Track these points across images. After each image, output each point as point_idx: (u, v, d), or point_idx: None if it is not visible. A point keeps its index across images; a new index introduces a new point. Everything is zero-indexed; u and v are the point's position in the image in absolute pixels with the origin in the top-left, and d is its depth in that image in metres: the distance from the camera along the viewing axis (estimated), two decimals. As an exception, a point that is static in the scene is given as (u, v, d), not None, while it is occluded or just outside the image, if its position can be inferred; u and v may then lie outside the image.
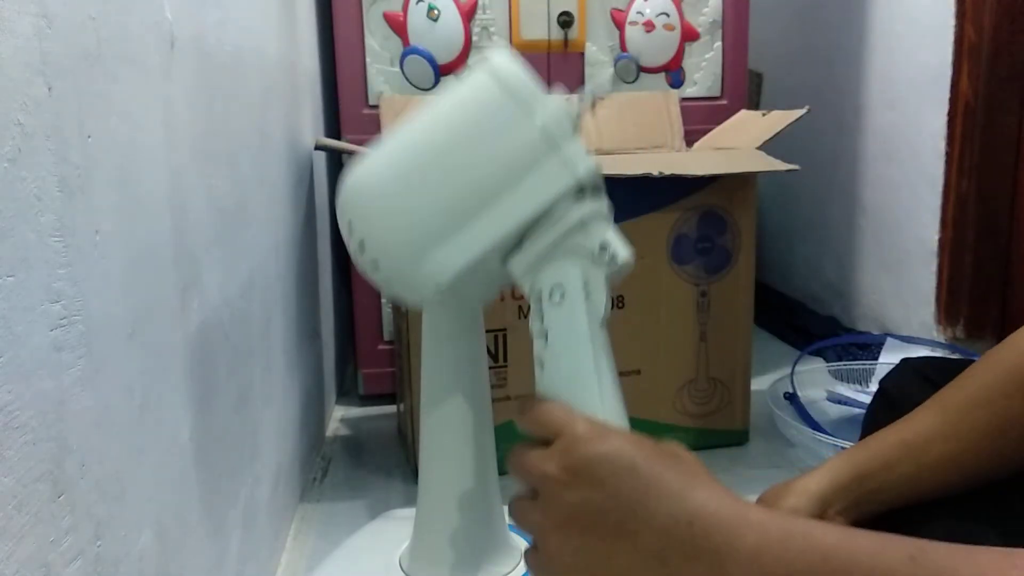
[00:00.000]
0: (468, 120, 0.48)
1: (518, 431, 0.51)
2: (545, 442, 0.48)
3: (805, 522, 0.41)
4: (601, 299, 0.51)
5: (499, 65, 0.47)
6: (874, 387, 1.18)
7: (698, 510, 0.40)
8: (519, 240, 0.49)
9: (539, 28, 1.60)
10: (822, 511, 0.63)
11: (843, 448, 1.31)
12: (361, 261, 0.51)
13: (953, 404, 0.64)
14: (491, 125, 0.48)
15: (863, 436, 0.82)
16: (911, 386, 0.76)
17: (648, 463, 0.42)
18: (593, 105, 0.50)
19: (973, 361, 0.73)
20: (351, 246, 0.51)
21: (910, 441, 0.64)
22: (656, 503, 0.40)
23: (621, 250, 0.50)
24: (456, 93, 0.49)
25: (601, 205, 0.50)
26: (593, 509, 0.42)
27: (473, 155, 0.49)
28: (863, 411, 0.86)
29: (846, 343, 1.72)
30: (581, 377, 0.51)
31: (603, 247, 0.50)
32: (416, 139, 0.50)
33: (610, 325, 1.43)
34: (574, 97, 0.51)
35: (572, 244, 0.50)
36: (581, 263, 0.50)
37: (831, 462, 0.66)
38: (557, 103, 0.48)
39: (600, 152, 1.48)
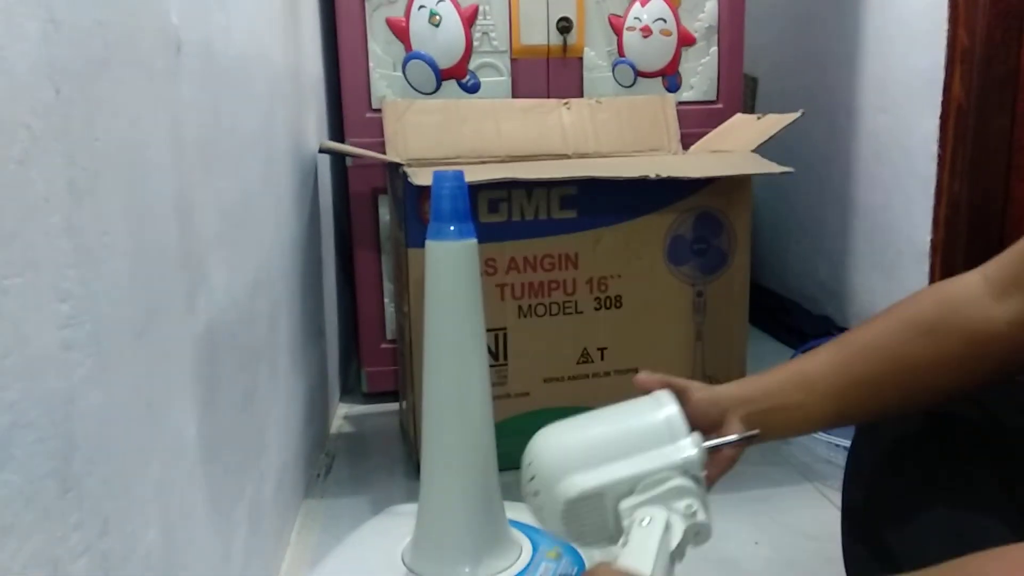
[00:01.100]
0: (634, 431, 0.70)
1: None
2: None
3: None
4: (676, 538, 0.63)
5: (670, 415, 0.69)
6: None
7: None
8: (630, 490, 0.67)
9: (538, 34, 1.61)
10: (723, 414, 0.73)
11: (837, 446, 1.32)
12: (526, 488, 0.71)
13: (853, 342, 0.73)
14: (646, 434, 0.69)
15: (855, 432, 0.83)
16: None
17: None
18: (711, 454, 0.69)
19: None
20: (524, 476, 0.72)
21: (808, 371, 0.73)
22: None
23: (701, 517, 0.65)
24: (634, 416, 0.71)
25: (696, 483, 0.66)
26: None
27: (625, 440, 0.69)
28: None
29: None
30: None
31: (688, 507, 0.65)
32: (596, 430, 0.73)
33: (606, 324, 1.43)
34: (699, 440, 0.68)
35: (667, 499, 0.65)
36: (670, 511, 0.65)
37: (752, 377, 0.77)
38: (689, 443, 0.68)
39: (598, 155, 1.49)
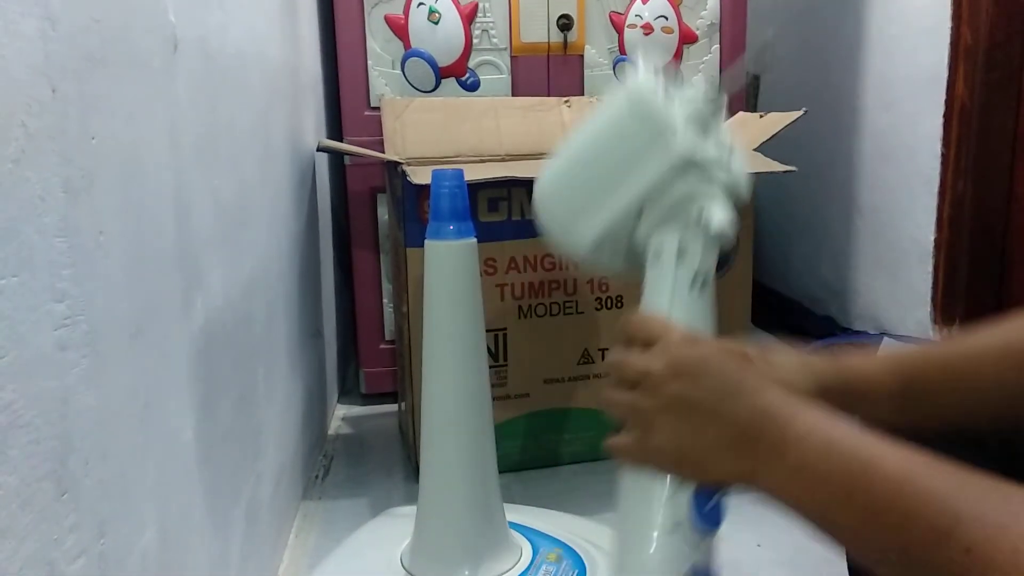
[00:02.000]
0: (615, 148, 0.62)
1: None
2: (640, 346, 0.57)
3: (847, 426, 0.50)
4: (695, 263, 0.58)
5: (639, 112, 0.60)
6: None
7: (767, 407, 0.51)
8: (639, 215, 0.60)
9: (539, 31, 1.61)
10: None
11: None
12: (541, 224, 0.65)
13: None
14: (627, 145, 0.61)
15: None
16: None
17: (732, 367, 0.54)
18: (728, 96, 0.60)
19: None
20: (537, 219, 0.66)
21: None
22: (736, 399, 0.52)
23: (715, 219, 0.57)
24: (610, 128, 0.63)
25: (700, 174, 0.58)
26: (690, 399, 0.53)
27: (606, 153, 0.62)
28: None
29: (843, 342, 1.73)
30: None
31: (699, 217, 0.58)
32: (583, 165, 0.65)
33: (607, 324, 1.42)
34: (701, 84, 0.62)
35: (677, 214, 0.59)
36: (681, 231, 0.59)
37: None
38: (675, 135, 0.58)
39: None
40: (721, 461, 0.53)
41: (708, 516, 0.57)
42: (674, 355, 0.55)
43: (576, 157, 0.65)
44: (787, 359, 0.64)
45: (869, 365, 0.65)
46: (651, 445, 0.56)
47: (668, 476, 0.58)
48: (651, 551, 0.59)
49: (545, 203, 0.65)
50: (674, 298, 0.59)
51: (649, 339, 0.57)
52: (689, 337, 0.57)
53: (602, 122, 0.63)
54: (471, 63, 1.60)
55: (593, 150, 0.64)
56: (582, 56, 1.64)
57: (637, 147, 0.59)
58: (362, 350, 1.68)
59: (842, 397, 0.62)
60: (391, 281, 1.62)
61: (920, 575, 0.44)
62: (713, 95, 0.61)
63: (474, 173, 1.18)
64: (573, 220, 0.63)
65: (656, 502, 0.59)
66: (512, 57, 1.62)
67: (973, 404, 0.65)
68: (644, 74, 0.61)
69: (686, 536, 0.57)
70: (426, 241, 0.91)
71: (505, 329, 1.33)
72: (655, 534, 0.59)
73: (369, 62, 1.57)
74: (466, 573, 0.91)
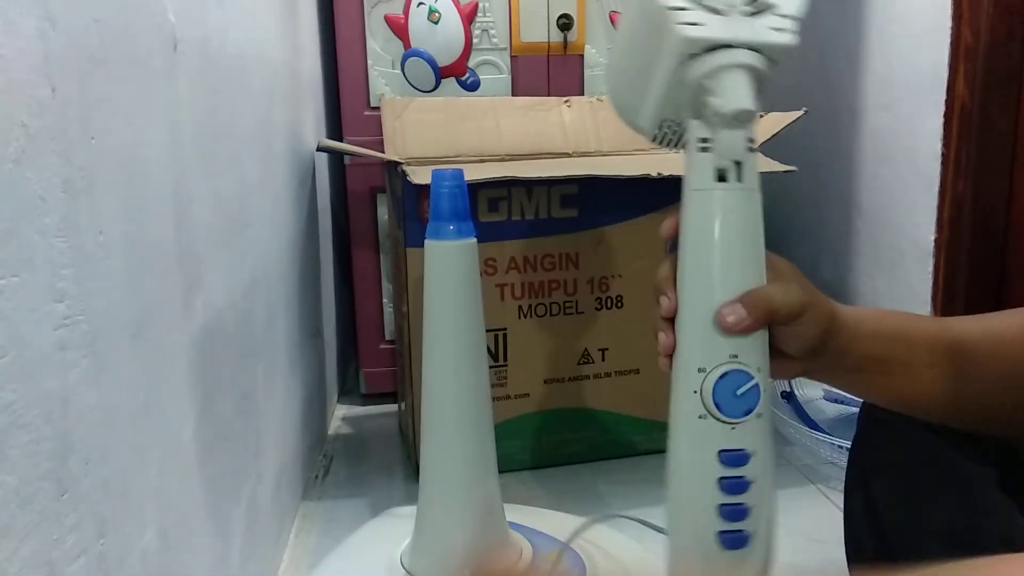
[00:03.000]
0: (629, 24, 0.59)
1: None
2: None
3: None
4: (718, 149, 0.55)
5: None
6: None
7: None
8: (677, 101, 0.57)
9: (539, 31, 1.61)
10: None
11: (839, 447, 1.32)
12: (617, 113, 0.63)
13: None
14: (636, 24, 0.59)
15: (857, 434, 0.83)
16: None
17: None
18: None
19: None
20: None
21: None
22: None
23: (727, 101, 0.53)
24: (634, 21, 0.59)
25: (709, 63, 0.54)
26: None
27: (633, 48, 0.59)
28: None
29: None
30: (683, 225, 0.58)
31: (706, 104, 0.54)
32: (616, 37, 0.65)
33: (607, 324, 1.42)
34: None
35: (697, 103, 0.55)
36: (702, 120, 0.55)
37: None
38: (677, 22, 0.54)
39: (599, 153, 1.48)
40: None
41: (736, 403, 0.55)
42: None
43: (615, 54, 0.64)
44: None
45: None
46: None
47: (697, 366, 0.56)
48: (678, 439, 0.58)
49: (611, 98, 0.63)
50: (700, 193, 0.56)
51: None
52: None
53: (627, 11, 0.62)
54: (471, 63, 1.60)
55: (623, 45, 0.62)
56: (582, 56, 1.64)
57: (648, 39, 0.56)
58: (362, 350, 1.68)
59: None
60: (391, 281, 1.62)
61: None
62: None
63: (474, 173, 1.18)
64: (632, 116, 0.61)
65: (685, 392, 0.56)
66: (512, 57, 1.62)
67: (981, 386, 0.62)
68: None
69: (713, 423, 0.55)
70: (426, 241, 0.91)
71: (505, 329, 1.33)
72: (683, 422, 0.57)
73: (369, 62, 1.57)
74: (466, 573, 0.91)
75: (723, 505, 0.56)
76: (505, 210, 1.30)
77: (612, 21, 1.65)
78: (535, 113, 1.47)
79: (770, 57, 0.55)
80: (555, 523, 1.05)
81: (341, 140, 1.57)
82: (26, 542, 0.43)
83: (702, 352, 0.56)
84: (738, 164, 0.55)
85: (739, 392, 0.55)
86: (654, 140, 0.61)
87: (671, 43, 0.53)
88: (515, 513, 1.04)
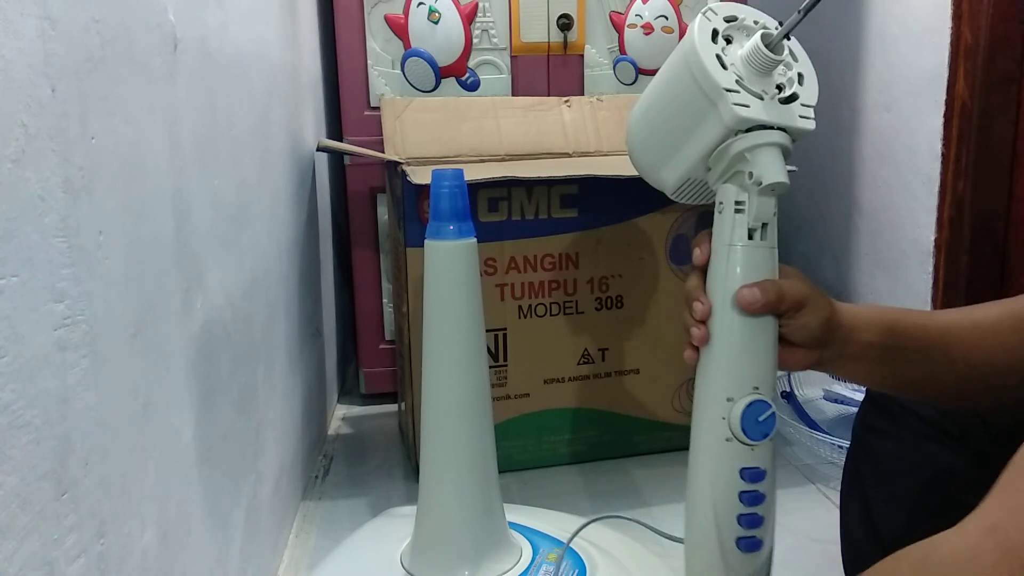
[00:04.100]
0: (682, 109, 0.66)
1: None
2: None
3: None
4: (752, 213, 0.63)
5: (698, 72, 0.62)
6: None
7: None
8: (707, 168, 0.65)
9: (539, 31, 1.61)
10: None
11: (840, 447, 1.32)
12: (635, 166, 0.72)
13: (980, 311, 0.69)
14: (678, 91, 0.66)
15: (855, 433, 0.84)
16: None
17: None
18: (786, 36, 0.63)
19: None
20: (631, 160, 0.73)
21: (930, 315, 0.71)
22: None
23: (767, 175, 0.62)
24: (678, 87, 0.66)
25: (754, 140, 0.62)
26: None
27: (671, 112, 0.67)
28: (859, 410, 0.87)
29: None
30: (715, 270, 0.65)
31: (750, 173, 0.62)
32: (648, 97, 0.70)
33: (607, 324, 1.42)
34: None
35: (732, 170, 0.64)
36: (737, 185, 0.64)
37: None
38: (727, 98, 0.62)
39: (599, 153, 1.48)
40: None
41: (758, 428, 0.63)
42: None
43: (649, 111, 0.70)
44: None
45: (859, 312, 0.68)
46: None
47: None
48: (704, 457, 0.65)
49: (632, 151, 0.72)
50: (732, 248, 0.64)
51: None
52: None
53: (667, 78, 0.67)
54: (471, 63, 1.60)
55: (661, 106, 0.68)
56: (582, 56, 1.64)
57: (695, 110, 0.63)
58: (362, 350, 1.68)
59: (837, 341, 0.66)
60: (391, 281, 1.62)
61: None
62: (774, 26, 0.64)
63: (474, 173, 1.18)
64: (655, 169, 0.69)
65: (710, 421, 0.64)
66: (512, 57, 1.62)
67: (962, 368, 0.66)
68: (700, 31, 0.63)
69: (737, 445, 0.63)
70: (426, 241, 0.91)
71: (505, 329, 1.33)
72: (710, 443, 0.64)
73: (369, 62, 1.57)
74: (466, 573, 0.91)
75: (742, 515, 0.64)
76: (505, 210, 1.30)
77: (612, 21, 1.65)
78: (535, 113, 1.47)
79: (794, 138, 0.64)
80: (555, 523, 1.05)
81: (341, 140, 1.57)
82: (26, 542, 0.43)
83: (730, 384, 0.64)
84: (764, 226, 0.64)
85: (760, 419, 0.63)
86: (673, 195, 0.70)
87: (725, 119, 0.61)
88: (515, 513, 1.04)
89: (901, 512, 0.77)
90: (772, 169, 0.62)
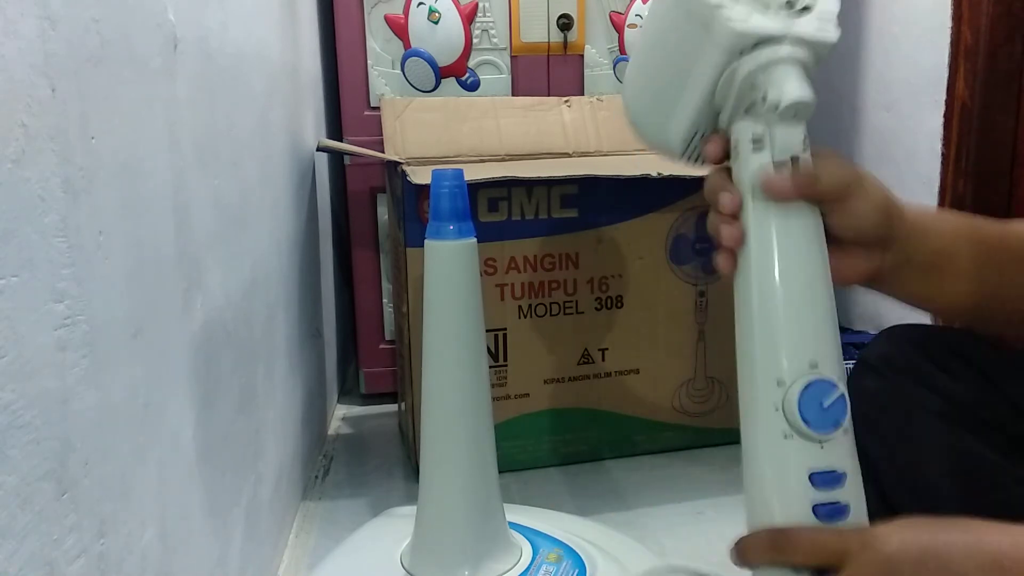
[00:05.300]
0: (672, 43, 0.57)
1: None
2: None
3: None
4: (776, 146, 0.52)
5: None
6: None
7: (996, 551, 0.43)
8: (716, 108, 0.55)
9: (539, 31, 1.61)
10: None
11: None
12: (635, 135, 0.62)
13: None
14: (669, 25, 0.57)
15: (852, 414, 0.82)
16: (894, 351, 0.75)
17: (933, 536, 0.45)
18: None
19: (954, 330, 0.72)
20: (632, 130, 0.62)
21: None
22: (961, 564, 0.43)
23: (785, 93, 0.51)
24: (665, 24, 0.57)
25: (762, 58, 0.52)
26: None
27: (665, 53, 0.57)
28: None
29: (843, 342, 1.73)
30: (744, 222, 0.54)
31: (764, 98, 0.51)
32: (638, 49, 0.61)
33: (607, 324, 1.42)
34: None
35: (744, 104, 0.53)
36: (752, 119, 0.53)
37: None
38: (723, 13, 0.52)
39: (599, 153, 1.48)
40: None
41: (824, 416, 0.49)
42: (872, 570, 0.46)
43: (642, 65, 0.60)
44: None
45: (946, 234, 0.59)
46: None
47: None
48: (761, 465, 0.51)
49: (632, 116, 0.61)
50: (756, 193, 0.52)
51: (827, 560, 0.48)
52: (869, 537, 0.47)
53: (654, 20, 0.58)
54: (471, 63, 1.60)
55: (652, 53, 0.59)
56: (582, 56, 1.64)
57: (690, 43, 0.54)
58: (362, 350, 1.68)
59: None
60: (391, 281, 1.62)
61: None
62: None
63: (474, 173, 1.18)
64: (658, 129, 0.58)
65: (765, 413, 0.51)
66: (512, 57, 1.62)
67: None
68: None
69: (799, 442, 0.50)
70: (426, 241, 0.91)
71: (505, 329, 1.33)
72: (766, 444, 0.51)
73: (369, 62, 1.57)
74: (466, 573, 0.91)
75: None
76: (505, 210, 1.30)
77: (612, 21, 1.65)
78: (535, 113, 1.47)
79: (816, 53, 0.53)
80: (555, 523, 1.05)
81: (341, 140, 1.57)
82: (26, 542, 0.43)
83: (778, 362, 0.51)
84: (795, 160, 0.52)
85: (825, 404, 0.49)
86: (682, 155, 0.59)
87: (721, 39, 0.51)
88: (515, 513, 1.04)
89: (900, 462, 0.71)
90: (790, 86, 0.51)
